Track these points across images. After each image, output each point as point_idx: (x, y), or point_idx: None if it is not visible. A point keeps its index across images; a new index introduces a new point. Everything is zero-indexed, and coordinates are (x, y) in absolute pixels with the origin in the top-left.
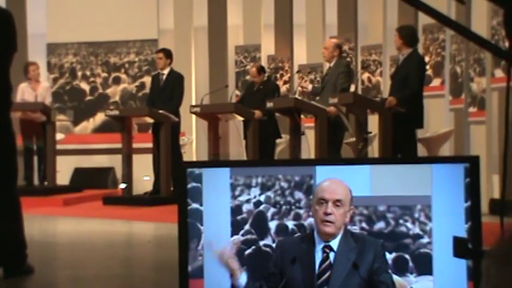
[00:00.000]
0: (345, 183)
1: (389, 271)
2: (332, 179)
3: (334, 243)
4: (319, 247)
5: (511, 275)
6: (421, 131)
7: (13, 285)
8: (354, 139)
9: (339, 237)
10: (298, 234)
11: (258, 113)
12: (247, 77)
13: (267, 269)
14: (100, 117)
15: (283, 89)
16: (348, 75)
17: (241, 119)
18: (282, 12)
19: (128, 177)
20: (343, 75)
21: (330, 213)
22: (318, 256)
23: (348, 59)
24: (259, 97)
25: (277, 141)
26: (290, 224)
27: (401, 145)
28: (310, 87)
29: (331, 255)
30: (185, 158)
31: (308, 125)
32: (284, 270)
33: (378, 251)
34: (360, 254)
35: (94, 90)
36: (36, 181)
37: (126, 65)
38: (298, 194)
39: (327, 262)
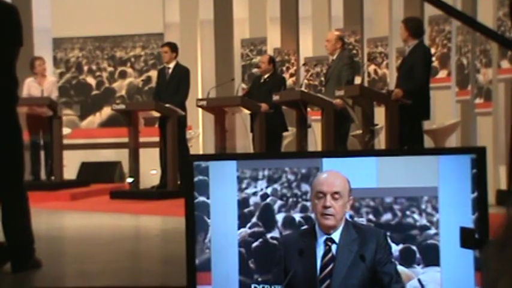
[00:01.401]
0: (341, 174)
1: (393, 261)
2: (329, 171)
3: (336, 236)
4: (321, 240)
5: (506, 263)
6: (428, 123)
7: (21, 279)
8: (360, 131)
9: (340, 229)
10: (301, 228)
11: (264, 106)
12: (254, 70)
13: (274, 262)
14: (106, 111)
15: (290, 81)
16: (351, 67)
17: (248, 112)
18: (287, 4)
19: (135, 171)
20: (347, 68)
21: (329, 206)
22: (320, 249)
23: (354, 52)
24: (266, 90)
25: (284, 134)
26: (297, 216)
27: (408, 137)
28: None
29: (333, 247)
30: (192, 152)
31: (315, 117)
32: (289, 264)
33: (380, 241)
34: (362, 244)
35: (100, 85)
36: (43, 176)
37: (132, 59)
38: (305, 187)
39: (330, 255)
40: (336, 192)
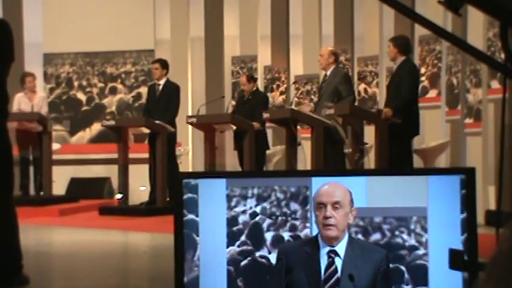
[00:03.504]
0: (342, 185)
1: (390, 281)
2: (329, 183)
3: (340, 248)
4: (323, 251)
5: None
6: (417, 142)
7: None
8: (350, 150)
9: (344, 241)
10: (303, 238)
11: (256, 124)
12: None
13: (275, 270)
14: (96, 127)
15: (280, 99)
16: (351, 87)
17: (233, 129)
18: (278, 22)
19: (124, 187)
20: (347, 88)
21: (330, 217)
22: (323, 260)
23: (345, 70)
24: (249, 108)
25: (273, 152)
26: (286, 235)
27: (398, 156)
28: None
29: (337, 260)
30: (181, 169)
31: (304, 135)
32: (291, 274)
33: (383, 261)
34: (365, 261)
35: (90, 100)
36: (32, 191)
37: (123, 75)
38: (294, 205)
39: (333, 267)
40: (336, 202)
